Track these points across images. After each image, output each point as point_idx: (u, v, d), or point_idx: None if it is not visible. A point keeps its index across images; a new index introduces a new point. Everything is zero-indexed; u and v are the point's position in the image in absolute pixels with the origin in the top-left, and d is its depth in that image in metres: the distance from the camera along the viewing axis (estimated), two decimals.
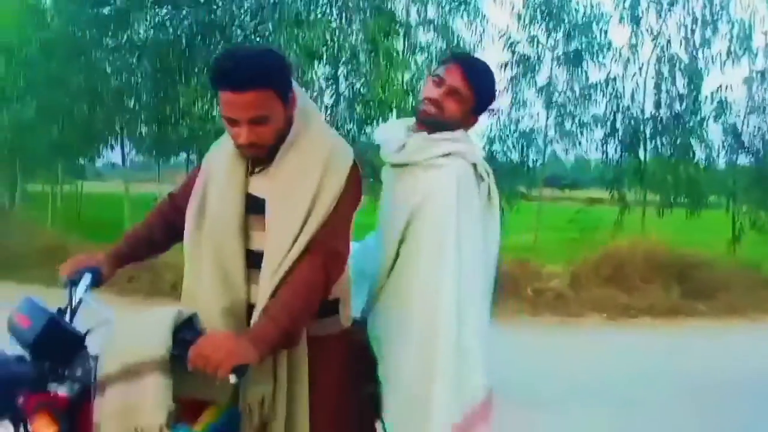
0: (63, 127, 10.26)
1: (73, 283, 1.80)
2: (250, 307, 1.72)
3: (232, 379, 1.46)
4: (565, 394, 4.72)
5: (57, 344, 1.56)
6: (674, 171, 9.60)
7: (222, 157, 1.82)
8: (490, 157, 9.91)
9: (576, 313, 7.63)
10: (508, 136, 9.86)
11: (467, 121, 2.05)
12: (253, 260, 1.73)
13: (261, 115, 1.64)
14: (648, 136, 9.82)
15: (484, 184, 2.00)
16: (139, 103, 10.29)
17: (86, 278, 1.80)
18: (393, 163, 2.06)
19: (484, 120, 9.94)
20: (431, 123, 2.00)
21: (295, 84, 1.76)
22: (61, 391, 1.57)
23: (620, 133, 9.84)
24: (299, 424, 1.72)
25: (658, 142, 9.79)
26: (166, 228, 1.99)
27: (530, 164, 10.04)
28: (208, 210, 1.81)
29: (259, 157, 1.75)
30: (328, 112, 10.16)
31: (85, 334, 1.63)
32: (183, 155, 11.60)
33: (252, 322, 1.66)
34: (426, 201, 1.92)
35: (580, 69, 9.58)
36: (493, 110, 9.76)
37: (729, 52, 9.31)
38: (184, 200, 1.89)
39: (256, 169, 1.78)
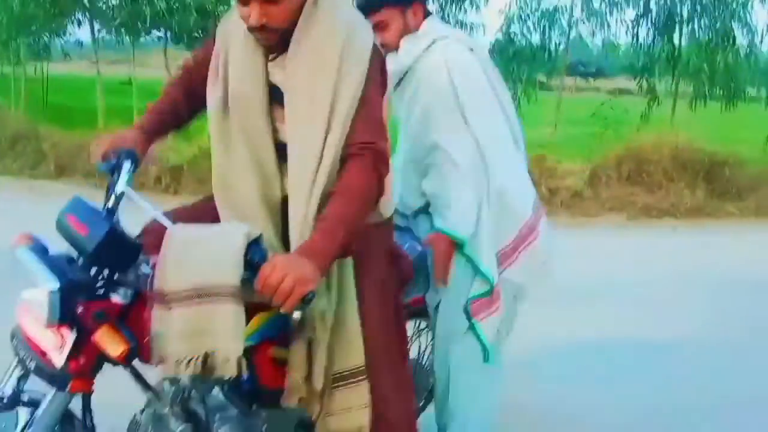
0: None
1: (113, 170, 1.79)
2: (283, 200, 1.86)
3: (296, 314, 1.57)
4: (579, 294, 5.07)
5: (115, 253, 1.64)
6: (712, 58, 9.61)
7: (238, 38, 1.86)
8: (508, 39, 9.96)
9: (594, 213, 7.97)
10: (528, 15, 9.85)
11: (415, 18, 2.37)
12: (283, 152, 1.84)
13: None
14: (685, 17, 9.80)
15: (477, 58, 2.38)
16: None
17: (126, 166, 1.79)
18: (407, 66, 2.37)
19: None
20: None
21: None
22: (115, 298, 1.67)
23: (654, 13, 9.83)
24: (349, 322, 1.88)
25: (696, 26, 9.78)
26: (188, 99, 2.04)
27: (552, 49, 10.04)
28: (231, 97, 1.88)
29: (270, 43, 1.79)
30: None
31: (141, 244, 1.72)
32: (156, 33, 11.57)
33: (290, 219, 1.80)
34: (419, 87, 2.33)
35: None
36: None
37: None
38: (201, 72, 1.97)
39: (271, 56, 1.84)
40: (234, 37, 1.87)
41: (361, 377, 1.91)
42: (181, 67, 2.14)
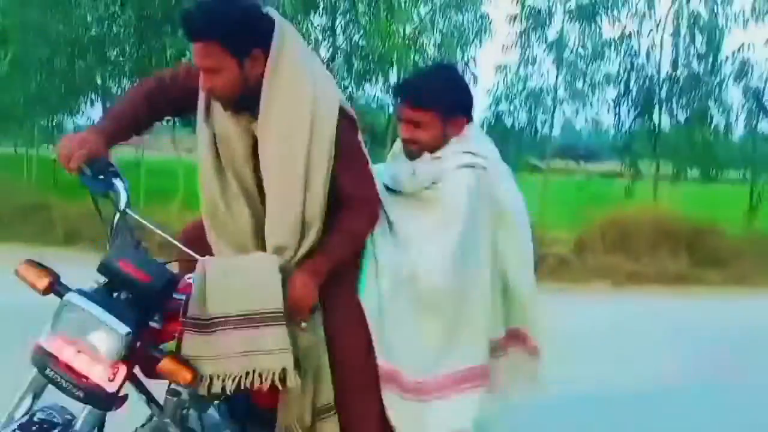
0: (40, 80, 10.48)
1: (105, 186, 1.88)
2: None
3: (303, 325, 1.87)
4: (566, 353, 5.07)
5: (168, 293, 1.82)
6: (690, 137, 9.88)
7: (222, 114, 2.01)
8: (496, 118, 10.23)
9: (580, 279, 7.97)
10: (515, 95, 10.16)
11: (452, 130, 2.28)
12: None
13: (209, 66, 1.85)
14: (663, 97, 10.10)
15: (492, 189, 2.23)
16: (122, 54, 10.55)
17: (120, 185, 1.87)
18: (408, 192, 2.26)
19: (490, 78, 10.32)
20: (419, 156, 2.28)
21: (279, 26, 1.92)
22: (155, 324, 1.85)
23: (634, 93, 10.15)
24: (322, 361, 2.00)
25: (674, 105, 10.07)
26: (151, 111, 2.07)
27: (538, 127, 10.32)
28: (219, 139, 2.02)
29: (225, 108, 1.95)
30: (325, 66, 10.42)
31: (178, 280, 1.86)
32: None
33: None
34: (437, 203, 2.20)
35: (593, 24, 9.81)
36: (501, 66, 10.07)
37: (753, 9, 9.52)
38: (174, 93, 2.05)
39: (255, 115, 1.97)
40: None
41: (332, 412, 2.03)
42: (154, 79, 2.13)
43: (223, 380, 1.79)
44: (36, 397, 1.82)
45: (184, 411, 2.03)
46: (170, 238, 1.91)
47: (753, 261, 8.46)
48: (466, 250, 2.13)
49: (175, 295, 1.85)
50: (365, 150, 2.11)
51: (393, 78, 9.90)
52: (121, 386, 1.75)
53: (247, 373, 1.79)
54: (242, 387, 1.80)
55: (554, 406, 3.87)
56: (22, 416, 1.79)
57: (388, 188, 2.27)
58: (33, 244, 8.68)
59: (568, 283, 7.84)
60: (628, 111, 10.26)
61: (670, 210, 8.85)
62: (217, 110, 2.01)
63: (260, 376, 1.79)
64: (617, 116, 10.40)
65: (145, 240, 1.92)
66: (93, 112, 13.27)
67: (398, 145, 2.43)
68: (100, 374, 1.73)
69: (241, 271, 1.86)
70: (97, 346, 1.69)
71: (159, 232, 1.89)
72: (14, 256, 7.35)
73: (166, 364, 1.73)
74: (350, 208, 2.01)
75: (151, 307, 1.82)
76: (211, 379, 1.79)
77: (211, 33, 1.82)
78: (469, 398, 2.15)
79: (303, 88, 1.94)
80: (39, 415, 1.82)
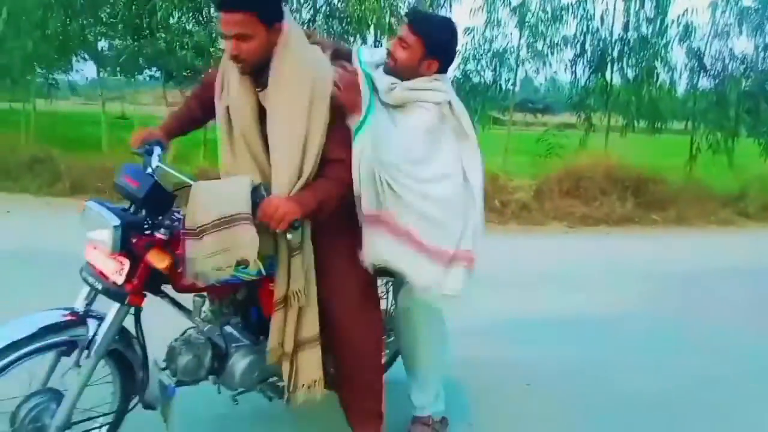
0: (35, 39, 10.46)
1: (147, 152, 2.30)
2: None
3: (289, 236, 2.11)
4: (528, 282, 5.64)
5: (157, 200, 2.15)
6: (638, 93, 10.41)
7: (234, 69, 2.28)
8: (464, 76, 10.62)
9: (539, 222, 8.57)
10: (482, 55, 10.53)
11: (426, 66, 2.50)
12: None
13: (244, 33, 2.12)
14: (615, 57, 10.60)
15: (453, 121, 2.54)
16: (113, 15, 10.55)
17: (158, 149, 2.31)
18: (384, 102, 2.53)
19: (459, 39, 10.64)
20: (390, 73, 2.52)
21: (287, 13, 2.21)
22: (160, 234, 2.14)
23: (589, 54, 10.62)
24: (311, 300, 2.32)
25: (625, 64, 10.58)
26: (201, 108, 2.58)
27: (502, 85, 10.74)
28: (231, 110, 2.31)
29: (245, 71, 2.22)
30: (305, 27, 10.67)
31: (174, 193, 2.24)
32: (147, 72, 12.01)
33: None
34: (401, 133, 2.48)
35: None
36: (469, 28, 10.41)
37: None
38: (210, 90, 2.45)
39: (258, 88, 2.26)
40: (231, 68, 2.32)
41: (315, 342, 2.36)
42: (199, 83, 2.68)
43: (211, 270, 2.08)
44: (89, 298, 2.22)
45: (207, 326, 2.41)
46: (180, 174, 2.22)
47: (690, 204, 9.16)
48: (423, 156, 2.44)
49: (179, 215, 2.20)
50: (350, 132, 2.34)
51: (370, 39, 10.19)
52: (130, 281, 2.09)
53: (231, 264, 2.06)
54: (231, 273, 2.10)
55: (521, 328, 4.47)
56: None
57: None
58: (41, 195, 8.98)
59: (529, 225, 8.45)
60: (584, 70, 10.76)
61: (619, 160, 9.39)
62: (232, 85, 2.31)
63: (236, 269, 2.08)
64: (573, 74, 10.90)
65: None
66: (86, 70, 13.33)
67: (381, 52, 2.64)
68: (109, 267, 2.12)
69: (220, 188, 2.16)
70: (102, 240, 2.07)
71: (174, 172, 2.24)
72: (26, 205, 7.76)
73: (151, 253, 2.07)
74: (335, 164, 2.25)
75: (152, 216, 2.16)
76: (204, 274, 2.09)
77: (250, 4, 2.11)
78: (465, 271, 2.51)
79: (306, 63, 2.23)
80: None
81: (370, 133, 2.30)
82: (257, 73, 2.24)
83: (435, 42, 2.50)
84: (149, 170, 2.23)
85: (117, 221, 2.06)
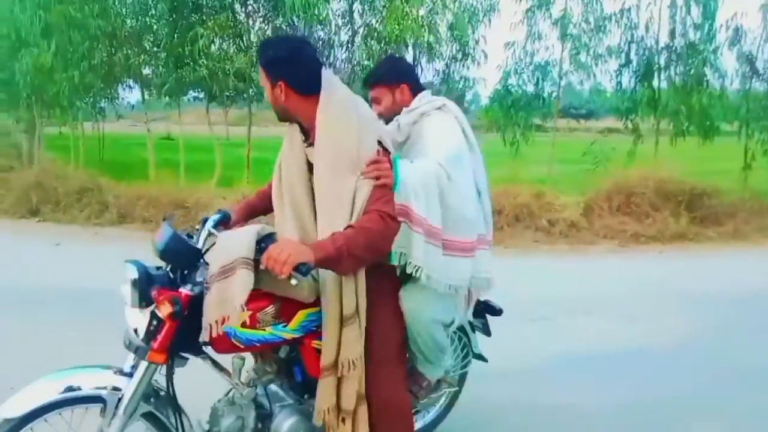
0: (82, 69, 10.63)
1: (206, 220, 2.44)
2: None
3: (293, 281, 1.92)
4: (578, 309, 5.37)
5: (178, 253, 2.12)
6: (687, 100, 9.95)
7: (288, 133, 2.39)
8: (506, 91, 10.35)
9: (589, 240, 8.24)
10: (523, 69, 10.24)
11: (400, 96, 2.75)
12: None
13: (262, 83, 2.28)
14: (662, 66, 10.18)
15: (457, 122, 2.68)
16: (157, 44, 10.67)
17: (215, 216, 2.45)
18: (399, 141, 2.70)
19: (500, 54, 10.36)
20: (386, 121, 2.72)
21: (327, 79, 2.23)
22: (185, 290, 2.08)
23: (634, 63, 10.23)
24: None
25: (672, 72, 10.15)
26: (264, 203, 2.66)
27: (545, 96, 10.42)
28: (283, 176, 2.35)
29: (278, 117, 2.31)
30: (344, 48, 10.57)
31: (202, 250, 2.21)
32: (191, 93, 12.12)
33: None
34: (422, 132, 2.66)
35: (594, 0, 9.86)
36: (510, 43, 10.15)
37: None
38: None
39: (305, 144, 2.29)
40: (289, 126, 2.38)
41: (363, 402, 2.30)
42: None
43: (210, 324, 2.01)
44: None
45: (252, 386, 2.32)
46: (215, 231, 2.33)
47: (748, 218, 8.69)
48: (460, 152, 2.58)
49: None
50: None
51: (409, 57, 9.99)
52: (155, 338, 2.02)
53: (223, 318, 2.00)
54: (218, 332, 2.01)
55: (573, 366, 4.20)
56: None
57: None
58: (89, 225, 9.05)
59: (579, 244, 8.13)
60: (630, 80, 10.35)
61: (670, 173, 8.98)
62: (285, 141, 2.38)
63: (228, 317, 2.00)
64: (619, 84, 10.49)
65: None
66: (131, 97, 13.52)
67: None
68: (139, 322, 2.07)
69: (231, 238, 2.14)
70: (125, 294, 2.06)
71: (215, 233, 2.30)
72: (75, 236, 7.76)
73: (160, 302, 2.00)
74: (370, 214, 2.15)
75: (181, 271, 2.14)
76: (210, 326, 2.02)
77: (260, 58, 2.26)
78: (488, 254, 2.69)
79: (349, 125, 2.20)
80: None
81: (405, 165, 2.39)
82: (307, 129, 2.27)
83: (392, 76, 2.77)
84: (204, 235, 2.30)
85: (135, 274, 2.03)
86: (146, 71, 11.35)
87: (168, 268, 2.16)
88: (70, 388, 2.02)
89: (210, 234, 2.32)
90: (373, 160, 2.19)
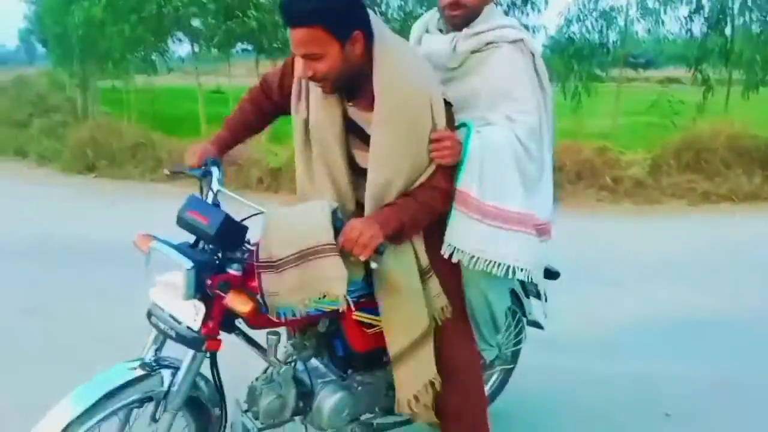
0: (132, 22, 10.51)
1: (204, 175, 2.11)
2: (358, 205, 2.06)
3: (374, 264, 1.81)
4: (646, 274, 5.07)
5: (231, 235, 1.90)
6: (763, 49, 9.24)
7: (318, 97, 1.99)
8: (568, 39, 9.80)
9: (655, 200, 7.82)
10: (587, 16, 9.65)
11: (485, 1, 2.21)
12: (355, 169, 2.05)
13: (312, 52, 1.79)
14: (735, 12, 9.44)
15: (534, 64, 2.21)
16: None
17: (215, 171, 2.11)
18: (450, 66, 2.22)
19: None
20: (461, 23, 2.19)
21: (376, 22, 1.88)
22: (234, 271, 1.90)
23: (706, 9, 9.51)
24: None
25: (747, 18, 9.41)
26: (260, 113, 2.30)
27: (609, 47, 9.83)
28: (312, 126, 2.03)
29: (326, 91, 1.92)
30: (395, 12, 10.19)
31: (247, 226, 1.97)
32: (240, 46, 11.91)
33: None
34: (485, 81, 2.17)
35: None
36: None
37: None
38: (275, 94, 2.20)
39: (351, 103, 1.99)
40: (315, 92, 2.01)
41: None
42: (258, 86, 2.31)
43: (291, 309, 1.87)
44: (158, 342, 1.98)
45: (291, 362, 2.18)
46: (245, 200, 2.01)
47: None
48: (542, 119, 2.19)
49: (249, 246, 1.94)
50: None
51: None
52: (206, 324, 1.86)
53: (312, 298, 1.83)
54: (313, 307, 1.87)
55: (642, 336, 3.96)
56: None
57: None
58: (144, 180, 9.03)
59: (645, 204, 7.72)
60: (700, 27, 9.65)
61: (743, 128, 8.41)
62: (313, 97, 2.01)
63: (318, 300, 1.83)
64: (689, 32, 9.81)
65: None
66: (181, 50, 13.42)
67: (427, 20, 2.36)
68: (183, 312, 1.88)
69: (297, 216, 1.89)
70: (174, 284, 1.83)
71: (239, 198, 2.03)
72: (130, 192, 7.81)
73: (230, 297, 1.79)
74: (434, 190, 2.00)
75: (223, 251, 1.92)
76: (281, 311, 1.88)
77: (315, 18, 1.75)
78: (535, 240, 2.18)
79: (416, 82, 1.93)
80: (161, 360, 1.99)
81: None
82: (348, 88, 1.95)
83: None
84: (211, 197, 2.06)
85: (190, 264, 1.80)
86: (196, 23, 11.16)
87: (202, 246, 1.97)
88: (107, 399, 1.81)
89: (218, 191, 2.07)
90: (436, 137, 1.95)
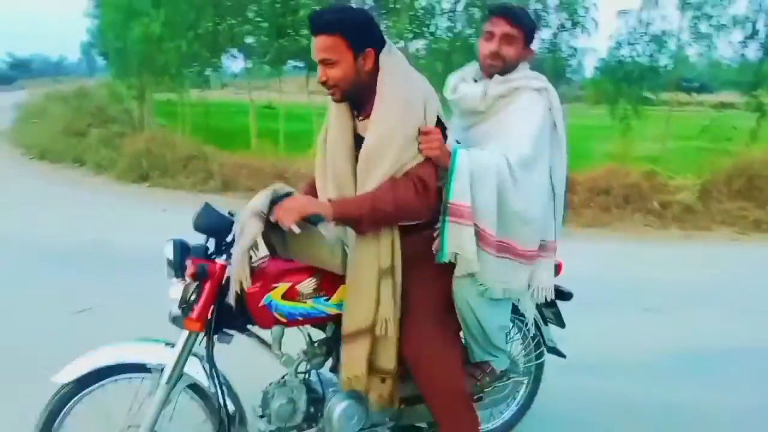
0: (189, 39, 10.87)
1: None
2: None
3: (295, 229, 1.95)
4: (684, 302, 4.97)
5: (212, 223, 2.10)
6: None
7: (334, 108, 2.26)
8: (618, 62, 9.70)
9: (704, 226, 7.66)
10: (637, 39, 9.55)
11: (525, 56, 2.42)
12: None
13: (329, 57, 2.05)
14: None
15: (550, 112, 2.36)
16: (260, 14, 10.73)
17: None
18: (480, 109, 2.41)
19: (612, 22, 9.70)
20: (499, 74, 2.38)
21: (389, 45, 2.13)
22: (219, 260, 2.12)
23: (761, 34, 9.31)
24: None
25: None
26: None
27: (660, 70, 9.69)
28: (328, 150, 2.25)
29: (336, 98, 2.15)
30: (445, 17, 10.24)
31: (232, 220, 2.14)
32: (291, 63, 12.19)
33: None
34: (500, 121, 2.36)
35: None
36: (623, 11, 9.49)
37: None
38: None
39: (360, 117, 2.19)
40: (332, 108, 2.27)
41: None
42: None
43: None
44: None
45: (305, 373, 2.34)
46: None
47: None
48: (538, 153, 2.28)
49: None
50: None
51: None
52: (192, 306, 2.08)
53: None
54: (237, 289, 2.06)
55: (692, 362, 3.90)
56: None
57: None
58: (195, 191, 9.27)
59: (694, 230, 7.57)
60: (755, 53, 9.44)
61: None
62: (330, 111, 2.26)
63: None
64: (743, 56, 9.60)
65: None
66: (235, 66, 13.79)
67: (465, 72, 2.55)
68: (176, 293, 2.11)
69: (253, 200, 2.07)
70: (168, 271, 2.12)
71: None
72: (181, 202, 8.06)
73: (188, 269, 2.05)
74: (405, 179, 2.10)
75: (217, 242, 2.15)
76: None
77: (336, 27, 2.01)
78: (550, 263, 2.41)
79: (415, 93, 2.11)
80: None
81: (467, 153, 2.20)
82: (356, 101, 2.17)
83: (532, 29, 2.43)
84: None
85: (168, 249, 2.10)
86: (249, 41, 11.50)
87: (207, 242, 2.18)
88: (120, 357, 2.12)
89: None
90: (425, 131, 2.11)
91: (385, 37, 2.15)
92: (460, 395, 2.31)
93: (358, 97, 2.14)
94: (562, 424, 3.10)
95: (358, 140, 2.17)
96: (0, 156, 12.49)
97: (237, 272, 2.04)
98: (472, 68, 2.54)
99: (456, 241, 2.17)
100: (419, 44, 10.63)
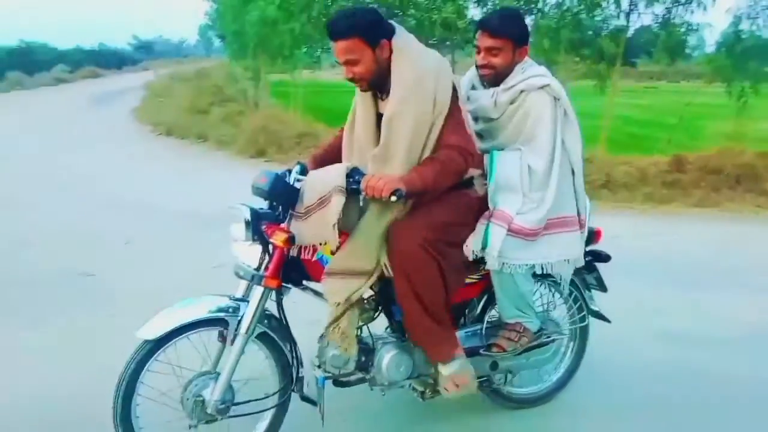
0: (302, 21, 11.36)
1: (289, 170, 2.58)
2: None
3: (393, 198, 2.17)
4: None
5: (283, 193, 2.35)
6: None
7: (359, 92, 2.52)
8: (736, 37, 9.29)
9: None
10: (758, 13, 9.11)
11: (520, 56, 2.66)
12: None
13: (351, 58, 2.31)
14: None
15: (558, 103, 2.61)
16: None
17: (297, 167, 2.60)
18: (495, 117, 2.69)
19: None
20: (494, 82, 2.68)
21: (398, 28, 2.38)
22: (284, 224, 2.35)
23: None
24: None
25: None
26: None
27: None
28: (355, 128, 2.54)
29: (365, 89, 2.42)
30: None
31: (298, 188, 2.37)
32: None
33: None
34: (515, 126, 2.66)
35: None
36: None
37: None
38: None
39: (382, 97, 2.45)
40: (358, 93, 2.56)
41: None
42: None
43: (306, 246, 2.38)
44: (245, 291, 2.45)
45: (359, 329, 2.53)
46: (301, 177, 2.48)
47: None
48: (554, 155, 2.58)
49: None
50: (466, 114, 2.51)
51: (625, 1, 9.30)
52: (264, 263, 2.33)
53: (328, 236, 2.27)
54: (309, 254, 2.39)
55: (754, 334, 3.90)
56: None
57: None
58: None
59: None
60: None
61: None
62: (357, 99, 2.53)
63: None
64: None
65: None
66: None
67: (471, 77, 2.82)
68: (248, 256, 2.37)
69: (323, 173, 2.34)
70: (240, 233, 2.35)
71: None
72: None
73: (274, 235, 2.28)
74: (450, 148, 2.33)
75: (283, 208, 2.38)
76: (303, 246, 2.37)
77: (353, 30, 2.27)
78: (568, 236, 2.67)
79: (426, 65, 2.35)
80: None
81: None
82: (378, 81, 2.39)
83: (519, 32, 2.66)
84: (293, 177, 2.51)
85: (247, 214, 2.33)
86: None
87: (269, 208, 2.44)
88: (199, 313, 2.31)
89: (297, 180, 2.48)
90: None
91: (398, 27, 2.41)
92: (438, 309, 2.46)
93: (380, 81, 2.39)
94: (650, 389, 3.23)
95: (379, 119, 2.42)
96: (132, 132, 13.55)
97: (314, 240, 2.33)
98: (472, 74, 2.83)
99: (497, 243, 2.49)
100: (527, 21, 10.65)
